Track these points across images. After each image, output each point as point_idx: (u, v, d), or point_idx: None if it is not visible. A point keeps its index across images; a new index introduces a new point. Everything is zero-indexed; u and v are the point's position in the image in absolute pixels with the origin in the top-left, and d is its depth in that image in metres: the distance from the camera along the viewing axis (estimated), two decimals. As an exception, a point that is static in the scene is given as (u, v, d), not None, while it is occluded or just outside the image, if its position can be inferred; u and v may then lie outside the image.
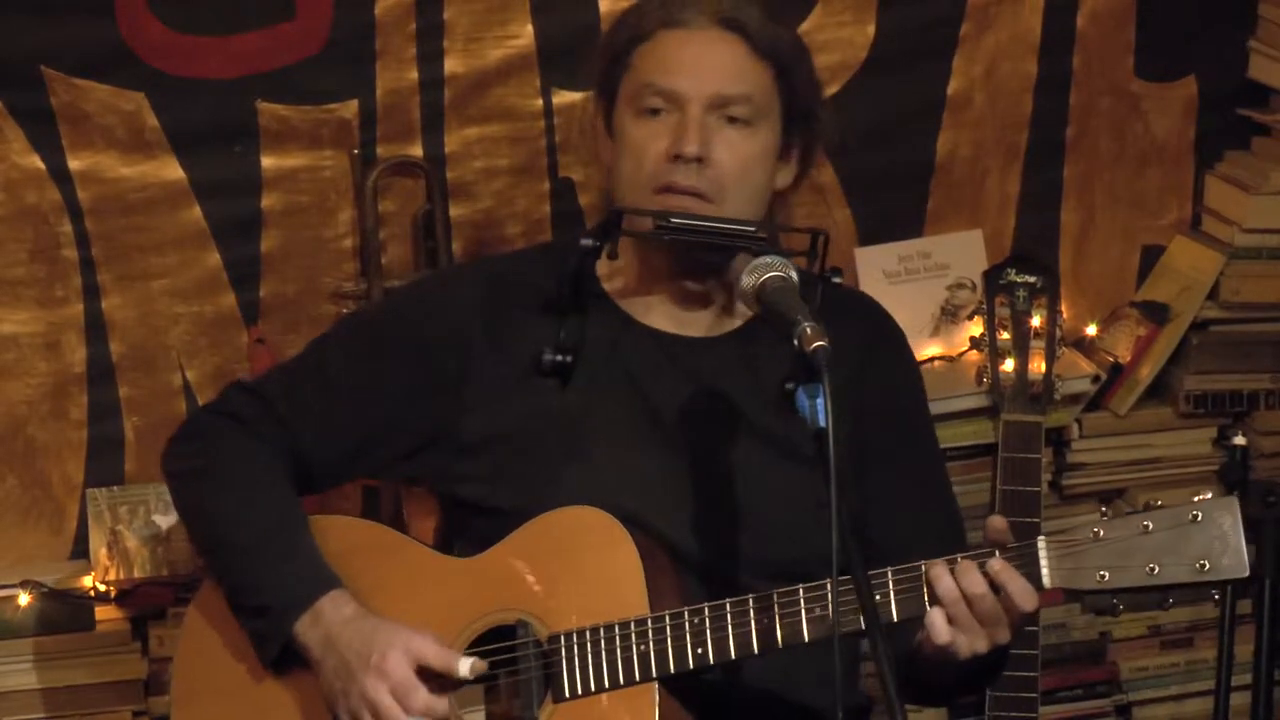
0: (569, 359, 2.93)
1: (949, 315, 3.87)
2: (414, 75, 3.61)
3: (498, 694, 2.86)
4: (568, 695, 2.80)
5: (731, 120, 2.90)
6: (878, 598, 2.68)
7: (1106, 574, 2.63)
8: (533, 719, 2.81)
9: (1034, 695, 3.67)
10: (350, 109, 3.60)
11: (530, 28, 3.63)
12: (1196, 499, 2.61)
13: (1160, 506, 2.63)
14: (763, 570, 2.86)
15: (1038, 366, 3.74)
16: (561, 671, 2.80)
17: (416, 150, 3.63)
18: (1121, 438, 3.95)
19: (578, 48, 3.63)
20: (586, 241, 2.90)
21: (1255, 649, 3.85)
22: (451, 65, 3.62)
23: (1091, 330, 3.96)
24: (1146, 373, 3.93)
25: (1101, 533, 2.64)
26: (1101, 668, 3.98)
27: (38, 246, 3.54)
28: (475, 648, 2.85)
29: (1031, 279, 3.76)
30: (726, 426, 2.92)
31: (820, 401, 2.57)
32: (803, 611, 2.73)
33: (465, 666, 2.81)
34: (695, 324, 2.98)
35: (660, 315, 2.98)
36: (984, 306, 3.78)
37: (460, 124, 3.65)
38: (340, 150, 3.61)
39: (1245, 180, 3.92)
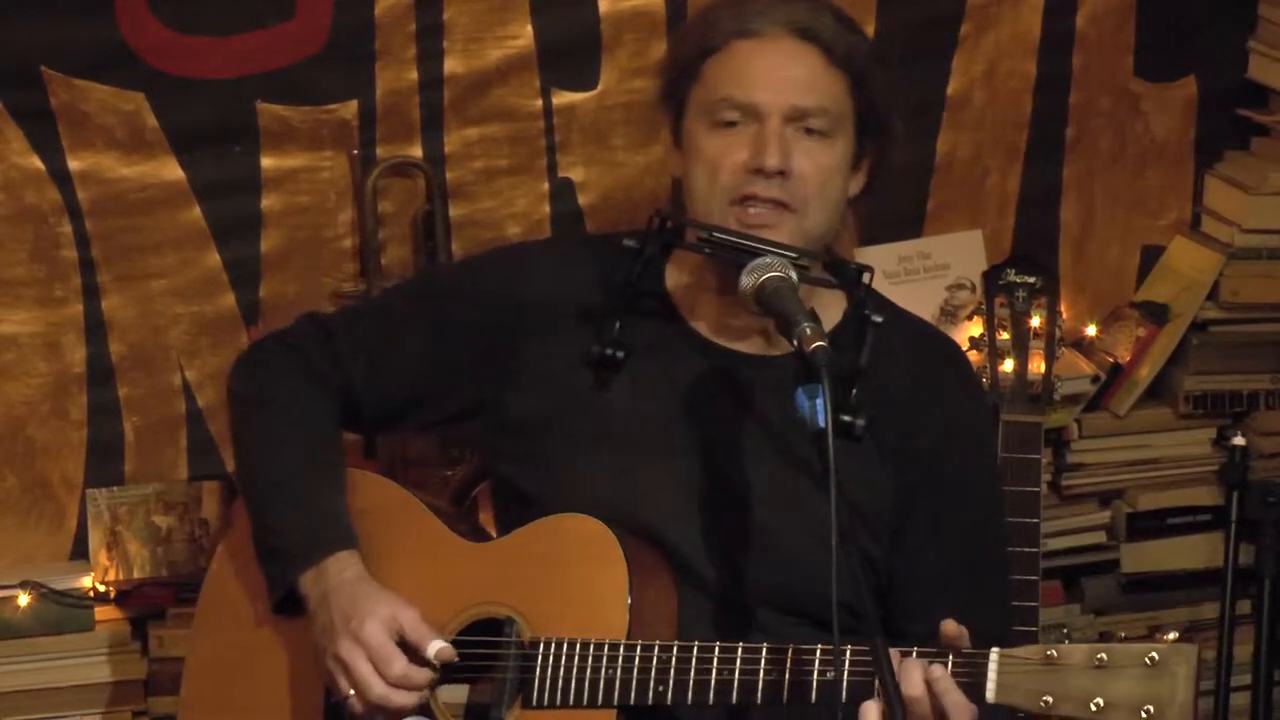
0: (620, 355, 2.92)
1: (948, 316, 3.86)
2: (414, 75, 3.61)
3: (480, 683, 2.86)
4: (535, 703, 2.79)
5: (809, 132, 2.87)
6: (829, 675, 2.64)
7: (1051, 699, 2.56)
8: (500, 719, 2.82)
9: (1033, 695, 3.67)
10: (350, 109, 3.60)
11: (530, 28, 3.63)
12: (1168, 637, 2.55)
13: (1121, 640, 2.57)
14: (768, 599, 2.85)
15: (1037, 367, 3.72)
16: (534, 678, 2.80)
17: (416, 151, 3.63)
18: (1121, 438, 3.95)
19: (578, 48, 3.65)
20: (629, 243, 2.90)
21: (1255, 649, 3.85)
22: (451, 65, 3.62)
23: (1091, 330, 3.96)
24: (1146, 373, 3.93)
25: (1056, 655, 2.57)
26: (1101, 668, 3.97)
27: (38, 246, 3.54)
28: (465, 634, 2.86)
29: (1031, 279, 3.75)
30: (758, 448, 2.89)
31: (820, 401, 2.57)
32: (761, 672, 2.70)
33: (434, 648, 2.81)
34: (747, 342, 2.95)
35: (713, 327, 2.96)
36: (983, 307, 3.77)
37: (460, 124, 3.64)
38: (340, 150, 3.61)
39: (1245, 180, 3.92)
